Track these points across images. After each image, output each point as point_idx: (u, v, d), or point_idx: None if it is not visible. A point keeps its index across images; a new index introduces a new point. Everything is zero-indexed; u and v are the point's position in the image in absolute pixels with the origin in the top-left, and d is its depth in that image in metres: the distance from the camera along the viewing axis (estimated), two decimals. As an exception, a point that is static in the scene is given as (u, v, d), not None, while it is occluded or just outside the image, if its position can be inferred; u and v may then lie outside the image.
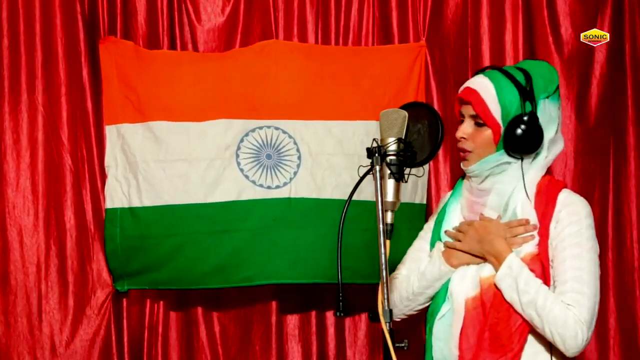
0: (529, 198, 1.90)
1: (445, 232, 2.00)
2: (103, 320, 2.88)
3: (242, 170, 2.75)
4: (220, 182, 2.73)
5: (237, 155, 2.76)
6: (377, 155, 1.81)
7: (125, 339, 2.90)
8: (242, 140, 2.77)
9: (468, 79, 2.03)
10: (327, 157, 2.81)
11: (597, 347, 3.05)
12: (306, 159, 2.80)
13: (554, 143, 1.95)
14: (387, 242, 1.79)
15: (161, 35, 2.95)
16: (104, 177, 2.83)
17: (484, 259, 1.92)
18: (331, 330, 3.01)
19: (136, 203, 2.74)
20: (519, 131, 1.87)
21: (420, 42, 3.02)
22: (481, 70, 2.01)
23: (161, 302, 2.94)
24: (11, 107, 2.85)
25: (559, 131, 1.96)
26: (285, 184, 2.77)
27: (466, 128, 1.94)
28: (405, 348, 1.74)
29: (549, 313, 1.79)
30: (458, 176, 2.12)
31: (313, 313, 3.00)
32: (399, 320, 2.09)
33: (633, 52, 3.11)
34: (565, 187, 1.95)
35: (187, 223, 2.73)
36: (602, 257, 3.01)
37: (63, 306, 2.85)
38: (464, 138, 1.94)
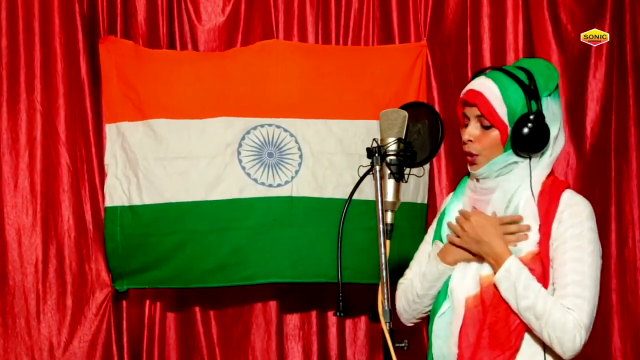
0: (533, 196, 1.90)
1: (448, 224, 1.98)
2: (102, 321, 2.87)
3: (244, 168, 2.74)
4: (221, 180, 2.73)
5: (239, 153, 2.75)
6: (377, 155, 1.81)
7: (125, 340, 2.89)
8: (243, 138, 2.77)
9: (469, 78, 2.03)
10: (328, 156, 2.81)
11: (599, 347, 3.05)
12: (307, 158, 2.79)
13: (557, 141, 1.95)
14: (387, 242, 1.79)
15: (161, 35, 2.95)
16: (102, 176, 2.83)
17: (482, 258, 1.91)
18: (331, 330, 3.01)
19: (136, 201, 2.74)
20: (526, 130, 1.86)
21: (421, 42, 3.02)
22: (481, 72, 2.00)
23: (160, 303, 2.94)
24: (9, 106, 2.85)
25: (562, 128, 1.95)
26: (286, 182, 2.76)
27: (472, 130, 1.93)
28: (405, 348, 1.74)
29: (549, 317, 1.79)
30: (460, 176, 2.11)
31: (313, 313, 3.00)
32: (412, 325, 2.10)
33: (634, 52, 3.11)
34: (569, 187, 1.95)
35: (187, 221, 2.72)
36: (604, 257, 3.01)
37: (61, 307, 2.85)
38: (471, 141, 1.93)
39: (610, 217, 3.06)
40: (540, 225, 1.87)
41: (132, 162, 2.76)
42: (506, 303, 1.84)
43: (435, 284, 1.99)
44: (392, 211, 1.83)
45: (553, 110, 1.92)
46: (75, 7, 2.89)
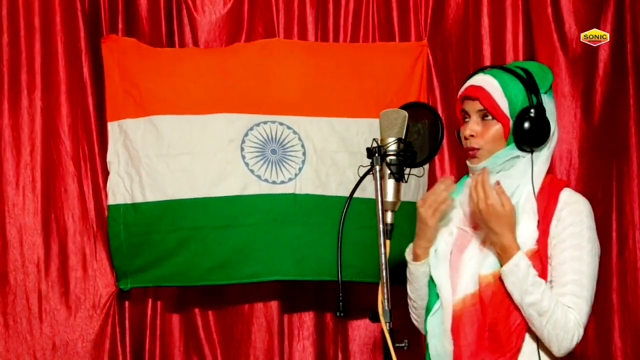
0: (534, 190, 1.90)
1: (470, 187, 1.93)
2: (106, 321, 2.86)
3: (247, 164, 2.74)
4: (224, 177, 2.72)
5: (242, 149, 2.75)
6: (377, 155, 1.82)
7: (127, 339, 2.89)
8: (246, 135, 2.77)
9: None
10: (331, 154, 2.81)
11: (599, 347, 3.05)
12: (311, 155, 2.80)
13: (554, 137, 1.97)
14: (387, 242, 1.79)
15: (163, 33, 2.95)
16: (105, 174, 2.83)
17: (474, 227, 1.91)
18: (332, 330, 3.01)
19: (139, 198, 2.73)
20: (529, 123, 1.87)
21: (422, 42, 3.02)
22: (479, 70, 2.01)
23: (163, 302, 2.94)
24: (10, 104, 2.85)
25: (556, 126, 1.97)
26: (290, 179, 2.76)
27: (473, 126, 1.94)
28: (405, 348, 1.75)
29: (552, 315, 1.79)
30: (462, 175, 2.11)
31: (313, 313, 2.99)
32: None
33: (635, 52, 3.11)
34: (567, 185, 1.96)
35: (190, 218, 2.71)
36: (604, 256, 3.02)
37: (64, 306, 2.84)
38: (472, 136, 1.94)
39: (611, 217, 3.06)
40: (539, 223, 1.87)
41: (134, 160, 2.76)
42: (509, 297, 1.84)
43: (419, 284, 2.02)
44: (392, 211, 1.84)
45: (550, 107, 1.93)
46: (77, 5, 2.89)
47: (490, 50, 3.05)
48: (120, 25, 2.92)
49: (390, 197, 1.84)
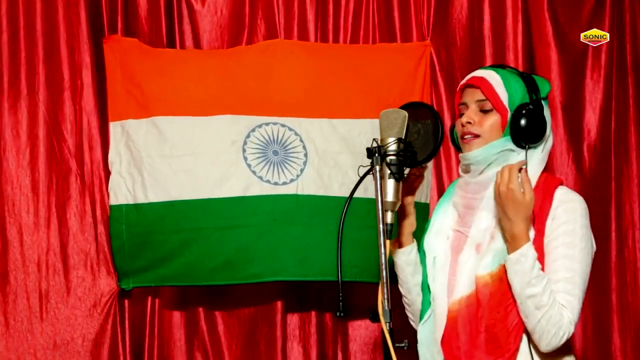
0: None
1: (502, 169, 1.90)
2: (107, 320, 2.86)
3: (249, 165, 2.74)
4: (227, 178, 2.72)
5: (244, 151, 2.75)
6: (377, 155, 1.82)
7: (128, 339, 2.89)
8: (248, 136, 2.77)
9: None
10: (333, 155, 2.81)
11: (599, 347, 3.05)
12: (312, 157, 2.80)
13: (549, 140, 1.98)
14: (387, 242, 1.80)
15: (163, 34, 2.95)
16: (107, 174, 2.83)
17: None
18: (332, 330, 3.01)
19: (141, 199, 2.74)
20: (526, 117, 1.89)
21: (425, 42, 3.02)
22: (481, 67, 2.05)
23: (164, 302, 2.94)
24: (10, 103, 2.85)
25: (551, 131, 1.99)
26: (292, 180, 2.76)
27: (472, 114, 1.95)
28: (405, 348, 1.75)
29: (548, 310, 1.80)
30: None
31: (313, 313, 3.00)
32: None
33: (634, 52, 3.11)
34: (562, 184, 1.96)
35: (193, 218, 2.71)
36: (604, 257, 3.04)
37: (65, 305, 2.84)
38: (470, 123, 1.95)
39: (610, 217, 3.06)
40: (534, 222, 1.88)
41: (136, 160, 2.76)
42: (507, 295, 1.84)
43: (405, 278, 2.08)
44: (392, 211, 1.84)
45: (546, 111, 1.95)
46: (80, 2, 2.89)
47: (491, 50, 3.05)
48: (120, 25, 2.92)
49: (390, 197, 1.84)
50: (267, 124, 2.80)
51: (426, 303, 1.99)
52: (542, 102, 1.94)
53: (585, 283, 1.86)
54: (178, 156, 2.73)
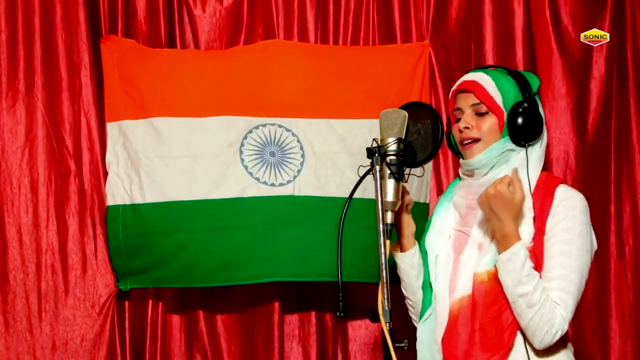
0: (530, 186, 1.90)
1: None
2: (105, 321, 2.86)
3: (246, 167, 2.74)
4: (224, 179, 2.72)
5: (241, 152, 2.75)
6: (377, 155, 1.82)
7: (127, 339, 2.89)
8: (245, 137, 2.77)
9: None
10: (331, 156, 2.81)
11: (599, 347, 3.05)
12: (310, 157, 2.80)
13: (544, 136, 1.98)
14: (387, 242, 1.79)
15: (162, 34, 2.95)
16: (106, 174, 2.82)
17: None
18: (331, 330, 3.01)
19: (138, 200, 2.73)
20: (522, 115, 1.90)
21: (424, 42, 3.02)
22: (469, 71, 2.05)
23: (163, 302, 2.94)
24: (9, 103, 2.84)
25: (546, 128, 1.99)
26: (289, 181, 2.76)
27: (468, 118, 1.96)
28: (405, 348, 1.75)
29: (540, 308, 1.80)
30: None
31: (313, 313, 2.99)
32: None
33: (634, 51, 3.11)
34: (562, 182, 1.96)
35: (190, 219, 2.71)
36: (604, 257, 3.03)
37: (63, 306, 2.84)
38: (468, 128, 1.95)
39: (609, 216, 3.06)
40: (534, 220, 1.88)
41: (133, 161, 2.76)
42: (501, 293, 1.84)
43: (409, 280, 2.06)
44: (392, 211, 1.84)
45: (540, 108, 1.96)
46: (79, 3, 2.89)
47: (492, 50, 3.05)
48: (119, 26, 2.92)
49: (390, 197, 1.84)
50: (264, 125, 2.79)
51: (427, 301, 1.99)
52: (535, 97, 1.95)
53: (583, 280, 1.86)
54: (175, 157, 2.73)
